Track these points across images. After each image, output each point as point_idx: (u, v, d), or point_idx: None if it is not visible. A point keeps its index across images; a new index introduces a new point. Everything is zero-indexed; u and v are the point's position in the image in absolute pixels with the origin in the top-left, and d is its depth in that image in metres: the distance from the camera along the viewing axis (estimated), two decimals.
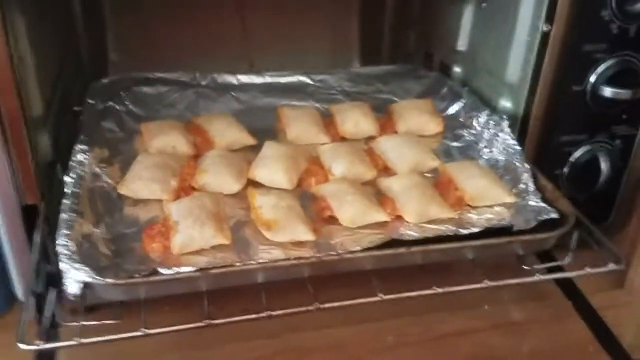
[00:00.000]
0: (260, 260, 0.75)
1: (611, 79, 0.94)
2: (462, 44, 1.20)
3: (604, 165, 0.99)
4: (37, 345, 0.65)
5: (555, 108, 0.97)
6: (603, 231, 0.87)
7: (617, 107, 0.98)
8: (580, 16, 0.90)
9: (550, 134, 0.99)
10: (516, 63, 1.00)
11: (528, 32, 0.97)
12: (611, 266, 0.80)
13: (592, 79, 0.95)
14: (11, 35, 0.76)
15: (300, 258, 0.75)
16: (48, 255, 0.77)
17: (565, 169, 1.01)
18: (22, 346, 0.65)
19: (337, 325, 0.88)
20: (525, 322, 0.94)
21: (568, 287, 0.94)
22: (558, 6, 0.90)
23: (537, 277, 0.80)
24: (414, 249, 0.77)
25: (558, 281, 0.95)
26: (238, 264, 0.75)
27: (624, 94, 0.94)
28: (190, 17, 1.28)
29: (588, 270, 0.80)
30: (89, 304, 0.73)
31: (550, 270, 0.85)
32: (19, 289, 0.87)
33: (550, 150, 1.00)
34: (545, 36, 0.93)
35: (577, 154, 1.01)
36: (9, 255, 0.86)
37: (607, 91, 0.94)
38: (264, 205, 0.83)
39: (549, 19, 0.91)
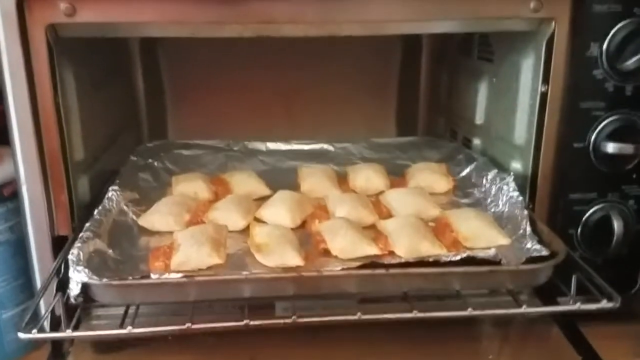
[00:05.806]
0: (244, 273, 0.79)
1: (612, 135, 0.96)
2: (479, 118, 1.26)
3: (617, 225, 0.98)
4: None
5: (561, 166, 0.99)
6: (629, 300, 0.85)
7: (624, 165, 0.98)
8: (575, 75, 0.95)
9: (559, 192, 1.00)
10: (522, 125, 1.04)
11: (529, 95, 1.02)
12: (604, 303, 0.77)
13: (593, 135, 0.96)
14: (59, 85, 0.89)
15: (283, 272, 0.79)
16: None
17: (579, 229, 1.01)
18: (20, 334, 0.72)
19: None
20: None
21: (586, 349, 0.90)
22: (552, 67, 0.95)
23: (524, 309, 0.78)
24: (393, 270, 0.78)
25: (574, 341, 0.91)
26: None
27: (626, 148, 0.95)
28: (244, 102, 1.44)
29: (580, 305, 0.78)
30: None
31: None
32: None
33: (561, 209, 1.00)
34: (544, 97, 0.97)
35: (589, 213, 1.00)
36: (38, 280, 0.94)
37: (610, 147, 0.95)
38: (259, 233, 0.89)
39: (546, 79, 0.96)
